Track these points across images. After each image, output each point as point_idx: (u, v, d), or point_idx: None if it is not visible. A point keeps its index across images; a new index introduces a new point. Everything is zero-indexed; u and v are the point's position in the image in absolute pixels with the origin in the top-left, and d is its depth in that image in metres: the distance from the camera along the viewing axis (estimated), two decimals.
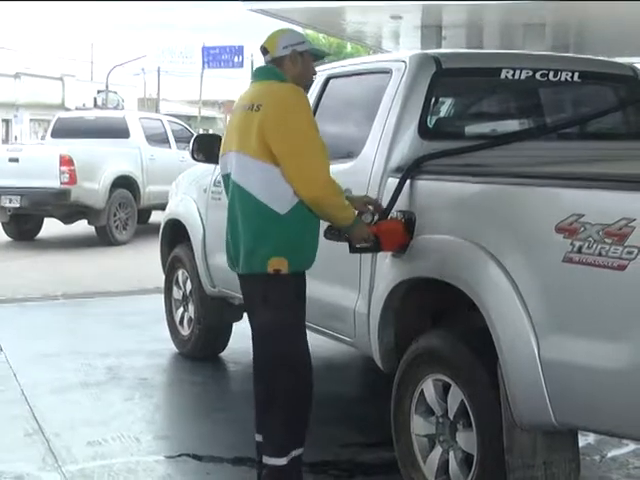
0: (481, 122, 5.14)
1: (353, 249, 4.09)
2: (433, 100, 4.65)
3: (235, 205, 4.02)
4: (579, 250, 3.20)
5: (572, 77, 4.89)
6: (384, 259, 4.29)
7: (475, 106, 5.25)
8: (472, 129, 5.04)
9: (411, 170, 4.20)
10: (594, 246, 3.15)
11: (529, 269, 3.44)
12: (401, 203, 4.18)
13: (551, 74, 4.84)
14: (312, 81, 4.32)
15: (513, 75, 4.77)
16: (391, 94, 4.63)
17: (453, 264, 3.83)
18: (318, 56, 4.23)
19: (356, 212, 4.04)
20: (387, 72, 4.78)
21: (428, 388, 3.93)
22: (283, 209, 3.86)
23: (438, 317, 4.29)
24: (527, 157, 4.45)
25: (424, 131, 4.51)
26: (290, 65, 4.04)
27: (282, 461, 4.00)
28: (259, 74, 4.18)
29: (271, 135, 3.83)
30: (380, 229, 4.06)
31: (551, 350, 3.33)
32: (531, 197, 3.52)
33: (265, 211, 3.88)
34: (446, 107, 5.19)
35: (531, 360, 3.35)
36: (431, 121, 4.66)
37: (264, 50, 4.10)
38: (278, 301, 3.97)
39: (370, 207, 4.19)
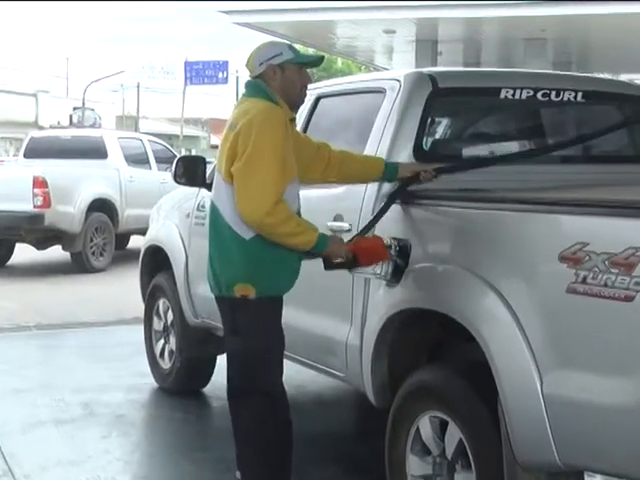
0: (479, 144, 5.16)
1: (327, 266, 4.13)
2: (429, 121, 4.68)
3: (210, 225, 4.16)
4: (584, 280, 3.21)
5: (575, 97, 4.92)
6: (377, 289, 4.31)
7: (473, 127, 5.29)
8: (470, 151, 5.07)
9: (397, 194, 4.24)
10: (599, 276, 3.16)
11: (531, 300, 3.45)
12: (396, 229, 4.20)
13: (553, 94, 4.87)
14: (303, 92, 4.21)
15: (513, 95, 4.80)
16: (385, 115, 4.65)
17: (450, 295, 3.84)
18: (305, 64, 4.18)
19: (330, 231, 4.17)
20: (380, 91, 4.81)
21: (424, 426, 3.93)
22: (247, 234, 3.94)
23: (434, 350, 4.29)
24: (528, 181, 4.48)
25: (420, 154, 4.53)
26: (270, 81, 4.08)
27: None
28: (246, 90, 4.24)
29: (236, 156, 3.95)
30: (359, 246, 4.08)
31: (555, 386, 3.33)
32: (533, 224, 3.54)
33: (231, 234, 3.99)
34: (443, 128, 5.23)
35: (533, 396, 3.36)
36: (427, 143, 4.70)
37: (250, 70, 4.19)
38: (246, 327, 4.05)
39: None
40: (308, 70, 4.22)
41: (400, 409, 4.08)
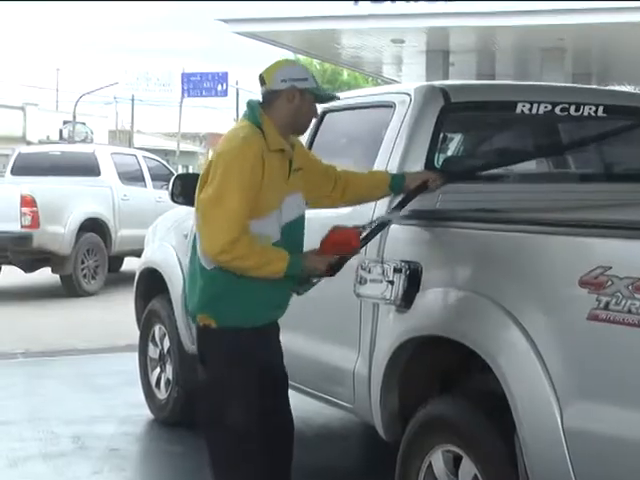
0: (496, 160, 5.17)
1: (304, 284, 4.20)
2: (441, 137, 4.71)
3: (192, 247, 4.23)
4: (606, 306, 3.22)
5: (596, 112, 4.94)
6: (387, 315, 4.32)
7: (488, 144, 5.31)
8: (487, 168, 5.08)
9: (404, 202, 4.31)
10: (623, 302, 3.16)
11: (550, 327, 3.46)
12: (407, 252, 4.22)
13: (572, 108, 4.89)
14: (308, 125, 4.24)
15: (530, 109, 4.82)
16: (394, 130, 4.68)
17: (464, 321, 3.85)
18: (321, 98, 4.20)
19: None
20: (390, 106, 4.84)
21: (437, 460, 3.93)
22: (209, 264, 3.98)
23: (448, 380, 4.30)
24: (547, 201, 4.50)
25: (431, 171, 4.55)
26: (285, 102, 4.03)
27: None
28: (245, 110, 4.22)
29: (202, 181, 4.02)
30: (328, 241, 4.09)
31: (576, 419, 3.33)
32: (552, 247, 3.55)
33: (197, 263, 4.06)
34: (455, 145, 5.25)
35: (553, 430, 3.36)
36: (439, 160, 4.72)
37: (261, 79, 4.10)
38: (210, 357, 4.12)
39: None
40: None
41: (411, 443, 4.08)
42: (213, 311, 4.02)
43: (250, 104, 4.11)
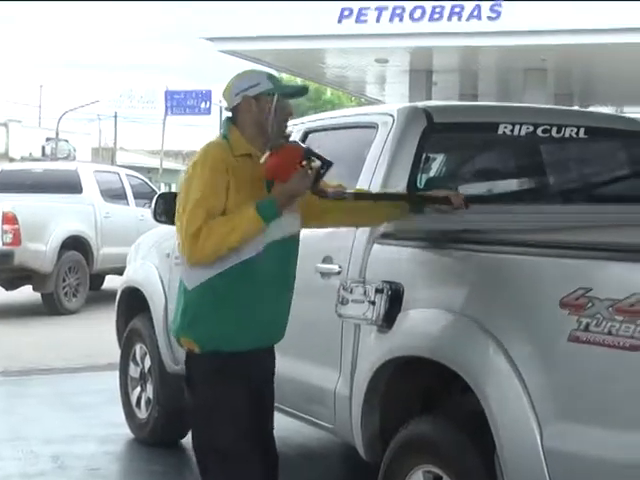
0: (476, 182, 5.20)
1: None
2: (424, 158, 4.72)
3: None
4: (586, 328, 3.23)
5: (577, 133, 4.98)
6: (368, 335, 4.32)
7: (470, 165, 5.33)
8: (466, 190, 5.10)
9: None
10: (603, 324, 3.18)
11: (531, 348, 3.47)
12: (388, 272, 4.23)
13: (554, 130, 4.93)
14: (282, 125, 4.01)
15: (512, 131, 4.85)
16: (377, 151, 4.69)
17: (445, 342, 3.86)
18: (285, 95, 4.01)
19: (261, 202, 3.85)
20: (373, 127, 4.85)
21: None
22: (191, 284, 3.94)
23: (429, 401, 4.30)
24: (529, 222, 4.52)
25: (414, 192, 4.56)
26: (245, 113, 3.99)
27: None
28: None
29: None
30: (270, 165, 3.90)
31: (556, 439, 3.34)
32: (533, 268, 3.56)
33: (181, 284, 4.03)
34: (438, 165, 5.26)
35: (533, 451, 3.37)
36: (421, 181, 4.73)
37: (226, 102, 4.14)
38: (194, 380, 4.04)
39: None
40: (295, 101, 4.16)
41: (391, 463, 4.08)
42: (195, 334, 3.95)
43: (225, 122, 4.10)
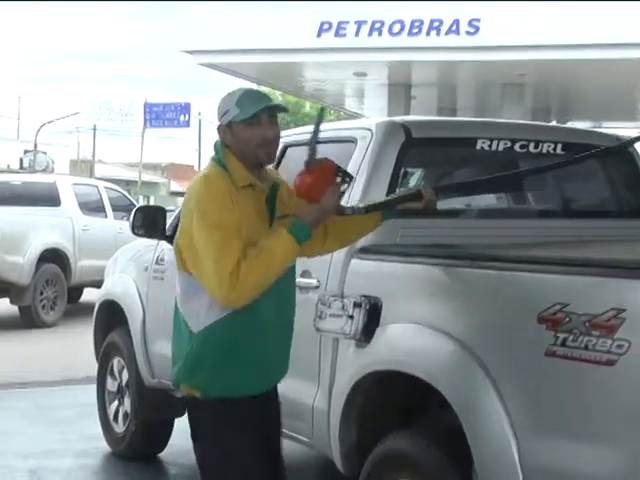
0: (454, 197, 5.21)
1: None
2: (402, 172, 4.74)
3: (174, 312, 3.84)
4: (563, 343, 3.25)
5: (554, 149, 5.01)
6: (347, 349, 4.32)
7: (448, 179, 5.34)
8: (444, 204, 5.12)
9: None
10: (580, 338, 3.19)
11: (508, 363, 3.49)
12: (366, 287, 4.23)
13: (531, 145, 4.96)
14: (259, 153, 3.63)
15: (490, 146, 4.88)
16: (356, 165, 4.70)
17: (423, 357, 3.86)
18: (251, 119, 3.60)
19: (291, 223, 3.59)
20: (351, 141, 4.87)
21: None
22: (197, 327, 3.62)
23: (407, 415, 4.30)
24: (507, 237, 4.54)
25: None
26: (226, 141, 3.69)
27: None
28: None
29: (179, 240, 3.68)
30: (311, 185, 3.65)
31: (533, 455, 3.35)
32: (511, 283, 3.58)
33: (182, 326, 3.69)
34: (416, 180, 5.28)
35: (511, 466, 3.38)
36: None
37: None
38: (200, 431, 3.75)
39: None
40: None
41: (369, 477, 4.08)
42: (199, 379, 3.65)
43: (214, 145, 3.77)
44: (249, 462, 3.68)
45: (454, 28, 18.32)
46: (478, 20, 17.92)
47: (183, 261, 3.66)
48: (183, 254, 3.65)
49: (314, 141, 3.71)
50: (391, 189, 4.60)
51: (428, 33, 18.38)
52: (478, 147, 4.88)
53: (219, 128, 3.71)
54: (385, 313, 4.13)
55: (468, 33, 18.22)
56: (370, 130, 4.81)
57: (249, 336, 3.63)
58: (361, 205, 4.02)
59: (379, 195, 4.55)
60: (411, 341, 3.98)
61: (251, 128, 3.62)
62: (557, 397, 3.32)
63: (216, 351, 3.62)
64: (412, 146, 4.75)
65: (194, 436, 3.75)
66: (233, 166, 3.64)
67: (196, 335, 3.62)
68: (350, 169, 4.73)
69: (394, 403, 4.30)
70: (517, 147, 4.94)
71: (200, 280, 3.55)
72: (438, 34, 18.37)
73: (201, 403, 3.68)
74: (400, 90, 21.15)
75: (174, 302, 3.79)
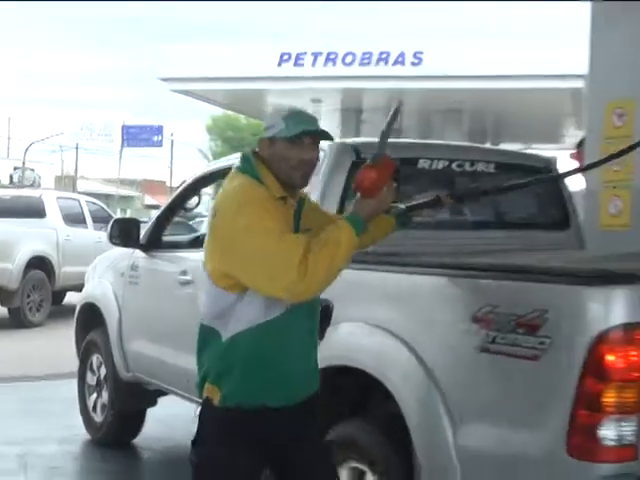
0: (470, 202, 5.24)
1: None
2: (352, 189, 4.74)
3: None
4: (493, 340, 3.28)
5: (487, 167, 5.06)
6: None
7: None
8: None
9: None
10: (507, 336, 3.23)
11: (445, 358, 3.52)
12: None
13: (467, 164, 5.00)
14: (294, 173, 3.23)
15: (430, 165, 4.92)
16: (310, 184, 4.69)
17: (370, 352, 3.89)
18: (297, 136, 3.20)
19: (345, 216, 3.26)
20: None
21: (343, 476, 3.92)
22: (227, 333, 3.17)
23: (356, 406, 4.32)
24: (446, 247, 4.58)
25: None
26: (265, 155, 3.27)
27: None
28: (239, 162, 3.35)
29: (211, 258, 3.21)
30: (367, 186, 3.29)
31: (467, 438, 3.39)
32: (449, 287, 3.61)
33: (207, 333, 3.23)
34: None
35: (446, 448, 3.41)
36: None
37: None
38: (203, 436, 3.26)
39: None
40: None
41: None
42: (223, 384, 3.17)
43: (245, 157, 3.31)
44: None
45: (400, 59, 18.47)
46: (422, 53, 18.07)
47: (222, 276, 3.15)
48: (218, 269, 3.16)
49: (386, 136, 3.36)
50: (342, 204, 4.61)
51: (377, 63, 18.51)
52: (420, 166, 4.91)
53: (261, 140, 3.28)
54: (336, 314, 4.13)
55: (413, 64, 18.39)
56: (324, 150, 4.82)
57: (275, 346, 3.18)
58: (401, 206, 3.74)
59: (331, 209, 4.56)
60: (359, 339, 4.00)
61: (292, 147, 3.21)
62: (488, 388, 3.36)
63: (247, 358, 3.16)
64: (361, 165, 4.74)
65: (196, 444, 3.25)
66: (268, 179, 3.22)
67: (225, 342, 3.16)
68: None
69: (346, 394, 4.31)
70: (454, 166, 4.97)
71: (255, 283, 3.07)
72: (386, 64, 18.51)
73: (215, 409, 3.20)
74: (352, 115, 21.29)
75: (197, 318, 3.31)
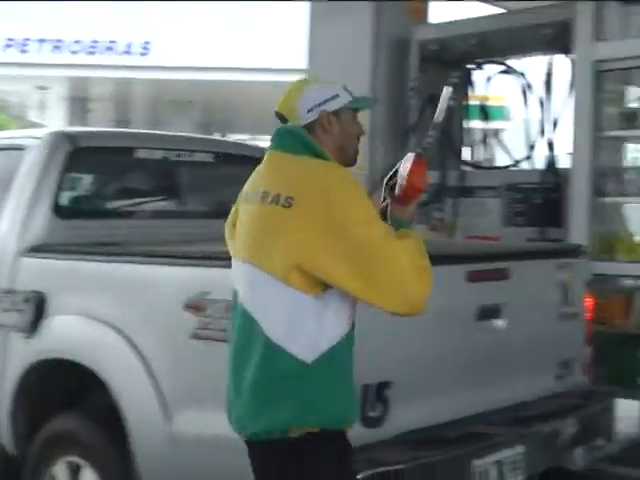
0: (118, 200, 5.20)
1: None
2: (68, 178, 4.65)
3: (241, 341, 2.68)
4: (206, 326, 3.33)
5: (206, 157, 5.12)
6: (17, 341, 4.18)
7: (112, 184, 5.30)
8: (109, 206, 5.10)
9: None
10: (219, 322, 3.27)
11: (160, 346, 3.54)
12: (32, 282, 4.13)
13: (185, 154, 5.04)
14: (357, 148, 2.82)
15: (149, 155, 4.91)
16: (25, 172, 4.55)
17: (84, 344, 3.83)
18: (361, 108, 2.86)
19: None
20: (22, 149, 4.71)
21: (59, 471, 3.87)
22: (310, 356, 2.56)
23: (75, 398, 4.23)
24: (162, 236, 4.59)
25: (59, 209, 4.48)
26: (322, 133, 2.73)
27: None
28: (281, 141, 2.77)
29: (316, 251, 2.53)
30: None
31: (184, 425, 3.42)
32: (160, 276, 3.63)
33: (280, 357, 2.56)
34: (83, 185, 5.21)
35: (162, 436, 3.43)
36: (66, 199, 4.66)
37: (281, 117, 2.81)
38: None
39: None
40: None
41: (35, 456, 3.99)
42: (317, 413, 2.57)
43: (300, 134, 2.72)
44: None
45: (128, 49, 18.29)
46: (149, 43, 17.97)
47: (303, 276, 2.53)
48: (323, 270, 2.52)
49: (440, 126, 2.83)
50: (57, 194, 4.49)
51: (104, 52, 18.26)
52: (138, 155, 4.89)
53: (322, 115, 2.72)
54: (50, 306, 4.03)
55: (141, 54, 18.24)
56: (39, 139, 4.68)
57: (352, 359, 2.70)
58: None
59: (45, 200, 4.44)
60: (72, 331, 3.93)
61: (353, 120, 2.81)
62: (202, 374, 3.39)
63: (331, 380, 2.60)
64: (78, 154, 4.65)
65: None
66: (332, 160, 2.73)
67: (310, 364, 2.56)
68: (20, 176, 4.59)
69: (62, 388, 4.21)
70: (172, 156, 5.00)
71: (369, 293, 2.52)
72: (114, 53, 18.29)
73: (318, 438, 2.58)
74: (78, 103, 20.87)
75: (243, 323, 2.67)
